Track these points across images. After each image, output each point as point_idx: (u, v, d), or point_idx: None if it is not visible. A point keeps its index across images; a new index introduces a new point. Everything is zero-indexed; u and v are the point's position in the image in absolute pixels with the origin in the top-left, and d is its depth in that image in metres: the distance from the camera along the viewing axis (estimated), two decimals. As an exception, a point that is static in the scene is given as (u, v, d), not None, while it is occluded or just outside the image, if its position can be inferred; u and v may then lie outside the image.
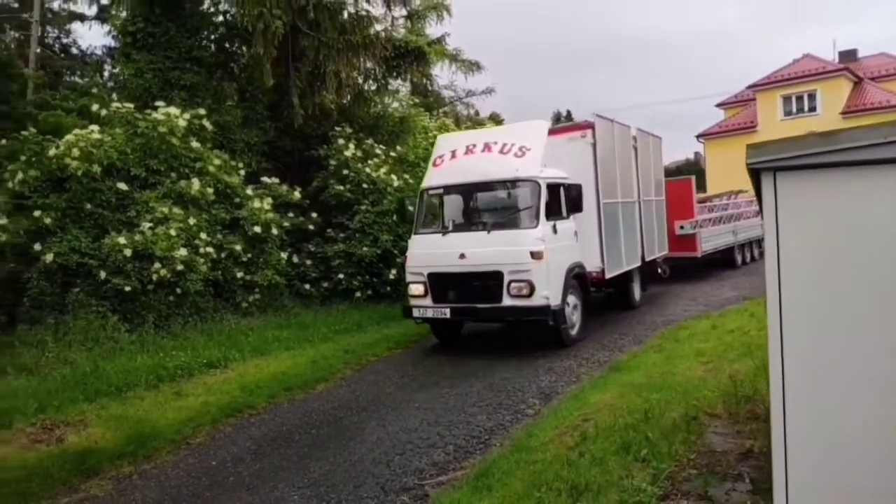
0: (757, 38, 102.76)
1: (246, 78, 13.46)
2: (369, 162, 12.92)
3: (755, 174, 2.82)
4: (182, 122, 10.25)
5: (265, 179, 11.77)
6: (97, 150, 9.28)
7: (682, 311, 10.84)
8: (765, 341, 2.75)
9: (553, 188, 8.63)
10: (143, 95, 11.43)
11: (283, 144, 13.57)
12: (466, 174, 8.89)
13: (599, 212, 9.53)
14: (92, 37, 58.75)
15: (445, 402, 6.55)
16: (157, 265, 8.82)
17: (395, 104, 16.04)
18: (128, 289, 8.74)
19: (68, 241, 8.86)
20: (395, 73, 14.65)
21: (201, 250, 9.45)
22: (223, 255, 9.98)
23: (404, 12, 14.71)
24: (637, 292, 11.57)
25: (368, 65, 13.90)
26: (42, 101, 14.77)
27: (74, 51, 24.84)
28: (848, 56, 32.90)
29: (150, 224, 9.12)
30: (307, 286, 11.92)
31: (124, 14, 12.30)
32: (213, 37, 13.59)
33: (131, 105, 10.32)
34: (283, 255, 11.11)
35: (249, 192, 11.02)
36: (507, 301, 8.06)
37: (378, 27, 13.61)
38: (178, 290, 9.21)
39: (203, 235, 9.61)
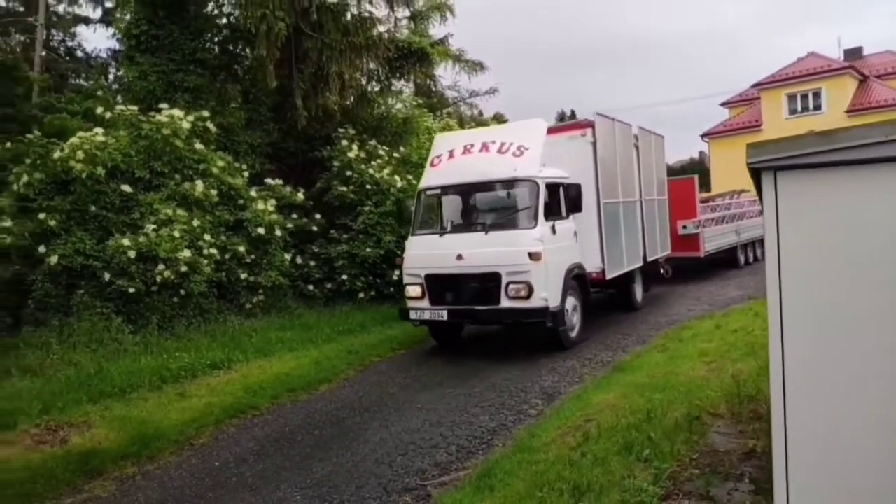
0: (757, 38, 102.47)
1: (249, 80, 13.49)
2: (373, 163, 12.92)
3: (756, 174, 2.82)
4: (186, 124, 10.28)
5: (269, 181, 11.80)
6: (101, 152, 9.31)
7: (685, 311, 10.81)
8: (768, 341, 2.75)
9: (552, 188, 8.54)
10: (147, 98, 11.49)
11: (287, 146, 13.59)
12: (464, 174, 8.79)
13: (600, 211, 9.41)
14: (97, 40, 59.50)
15: (448, 402, 6.55)
16: (160, 267, 8.84)
17: (399, 105, 16.05)
18: (132, 290, 8.77)
19: (73, 243, 8.89)
20: (398, 74, 14.68)
21: (205, 252, 9.47)
22: (227, 256, 9.99)
23: (407, 13, 14.75)
24: (639, 293, 11.47)
25: (372, 66, 13.93)
26: (47, 103, 14.89)
27: (79, 54, 25.02)
28: (853, 54, 32.66)
29: (154, 226, 9.15)
30: (311, 287, 11.94)
31: (128, 17, 12.36)
32: (216, 39, 13.63)
33: (135, 107, 10.37)
34: (287, 257, 11.12)
35: (253, 193, 11.03)
36: (505, 303, 7.96)
37: (381, 28, 13.68)
38: (182, 292, 9.23)
39: (207, 237, 9.62)
